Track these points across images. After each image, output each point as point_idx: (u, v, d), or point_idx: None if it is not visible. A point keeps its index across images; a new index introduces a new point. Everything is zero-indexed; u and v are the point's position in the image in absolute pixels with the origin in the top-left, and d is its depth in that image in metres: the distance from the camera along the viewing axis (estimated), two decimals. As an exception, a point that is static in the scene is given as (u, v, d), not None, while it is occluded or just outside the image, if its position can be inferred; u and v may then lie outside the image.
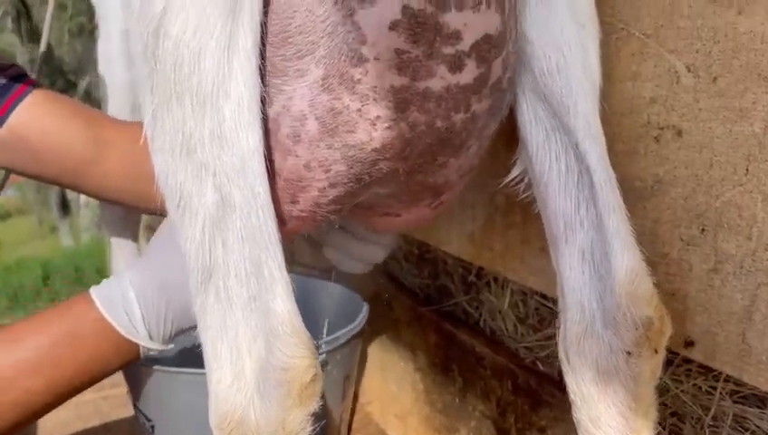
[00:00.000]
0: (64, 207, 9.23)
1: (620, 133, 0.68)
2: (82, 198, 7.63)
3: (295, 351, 0.52)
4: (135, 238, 1.29)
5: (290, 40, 0.51)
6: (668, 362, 0.72)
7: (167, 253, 0.75)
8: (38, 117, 0.91)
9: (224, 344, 0.53)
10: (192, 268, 0.53)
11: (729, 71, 0.59)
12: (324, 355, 0.98)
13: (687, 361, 0.73)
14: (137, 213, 1.26)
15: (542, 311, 0.97)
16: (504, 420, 0.99)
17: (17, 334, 0.71)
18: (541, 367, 0.95)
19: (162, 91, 0.50)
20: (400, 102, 0.53)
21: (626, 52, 0.67)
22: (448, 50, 0.53)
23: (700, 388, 0.73)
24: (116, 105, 1.24)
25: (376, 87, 0.52)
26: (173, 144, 0.51)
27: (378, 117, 0.53)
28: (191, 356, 0.80)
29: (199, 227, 0.52)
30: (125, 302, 0.74)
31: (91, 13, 1.32)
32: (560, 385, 0.92)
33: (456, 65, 0.54)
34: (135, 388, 0.97)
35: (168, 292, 0.74)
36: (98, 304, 0.74)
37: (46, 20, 1.26)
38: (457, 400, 1.11)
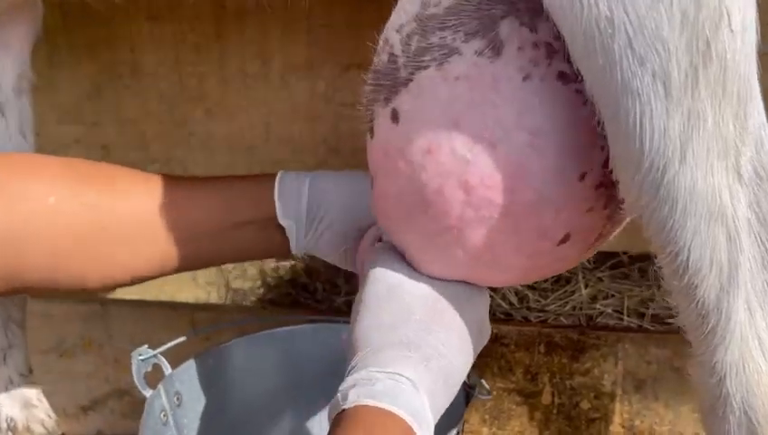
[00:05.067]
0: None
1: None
2: None
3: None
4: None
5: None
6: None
7: (435, 327, 0.59)
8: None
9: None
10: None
11: None
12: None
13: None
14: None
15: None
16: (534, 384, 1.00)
17: None
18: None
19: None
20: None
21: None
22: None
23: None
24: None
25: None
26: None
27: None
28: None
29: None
30: (425, 415, 0.56)
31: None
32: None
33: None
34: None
35: (451, 387, 0.59)
36: (410, 421, 0.54)
37: None
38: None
